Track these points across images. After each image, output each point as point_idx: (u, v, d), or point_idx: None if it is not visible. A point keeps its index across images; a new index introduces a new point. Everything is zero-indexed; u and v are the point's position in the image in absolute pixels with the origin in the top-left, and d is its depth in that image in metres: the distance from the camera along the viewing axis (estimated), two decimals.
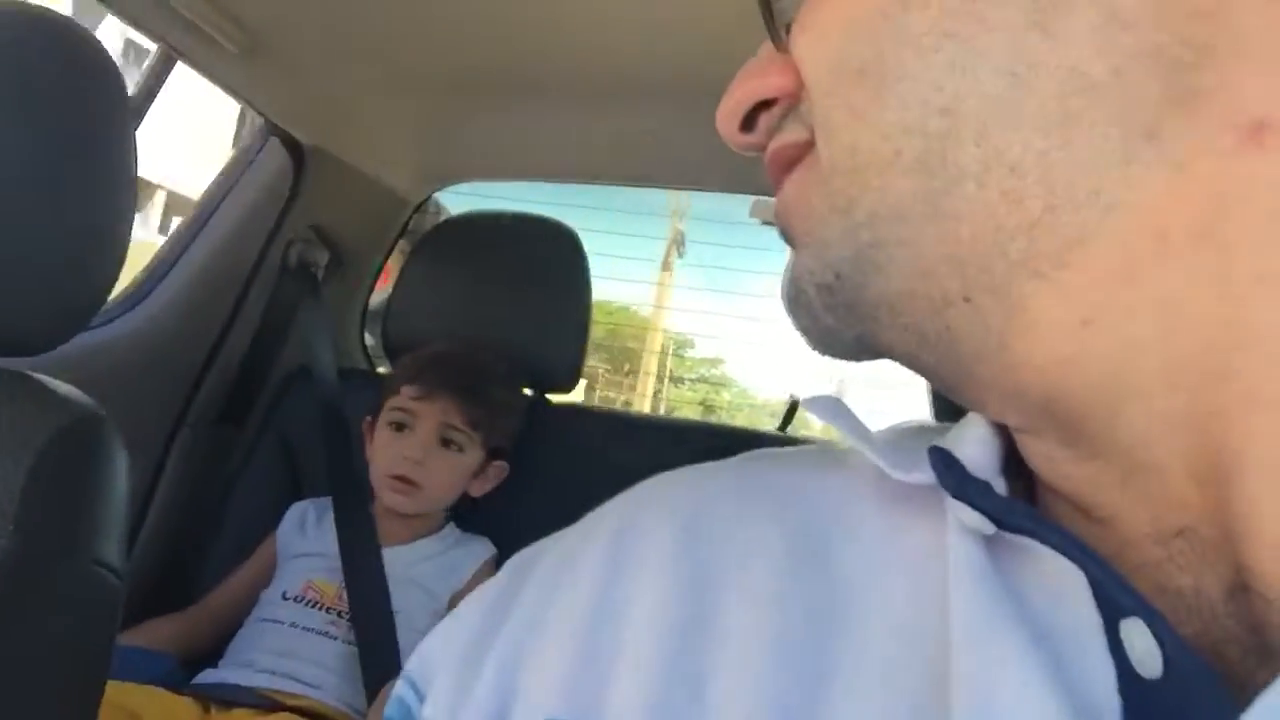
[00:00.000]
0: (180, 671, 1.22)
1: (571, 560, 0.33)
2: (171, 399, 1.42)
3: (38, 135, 0.64)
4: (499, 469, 1.33)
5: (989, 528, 0.26)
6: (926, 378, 0.29)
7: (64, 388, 0.63)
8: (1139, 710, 0.23)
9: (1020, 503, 0.27)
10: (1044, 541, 0.25)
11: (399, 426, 1.29)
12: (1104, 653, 0.24)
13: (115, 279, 0.70)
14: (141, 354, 1.33)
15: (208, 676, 1.19)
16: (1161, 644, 0.23)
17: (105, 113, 0.69)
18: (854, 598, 0.28)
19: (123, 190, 0.69)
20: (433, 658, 0.34)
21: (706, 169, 1.51)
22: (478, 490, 1.32)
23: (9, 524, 0.55)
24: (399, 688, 0.35)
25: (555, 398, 1.48)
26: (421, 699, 0.33)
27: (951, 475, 0.28)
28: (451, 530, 1.32)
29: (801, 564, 0.29)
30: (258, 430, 1.50)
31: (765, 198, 1.66)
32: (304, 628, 1.20)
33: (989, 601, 0.25)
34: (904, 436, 0.32)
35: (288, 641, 1.20)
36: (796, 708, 0.26)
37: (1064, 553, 0.25)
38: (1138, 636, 0.24)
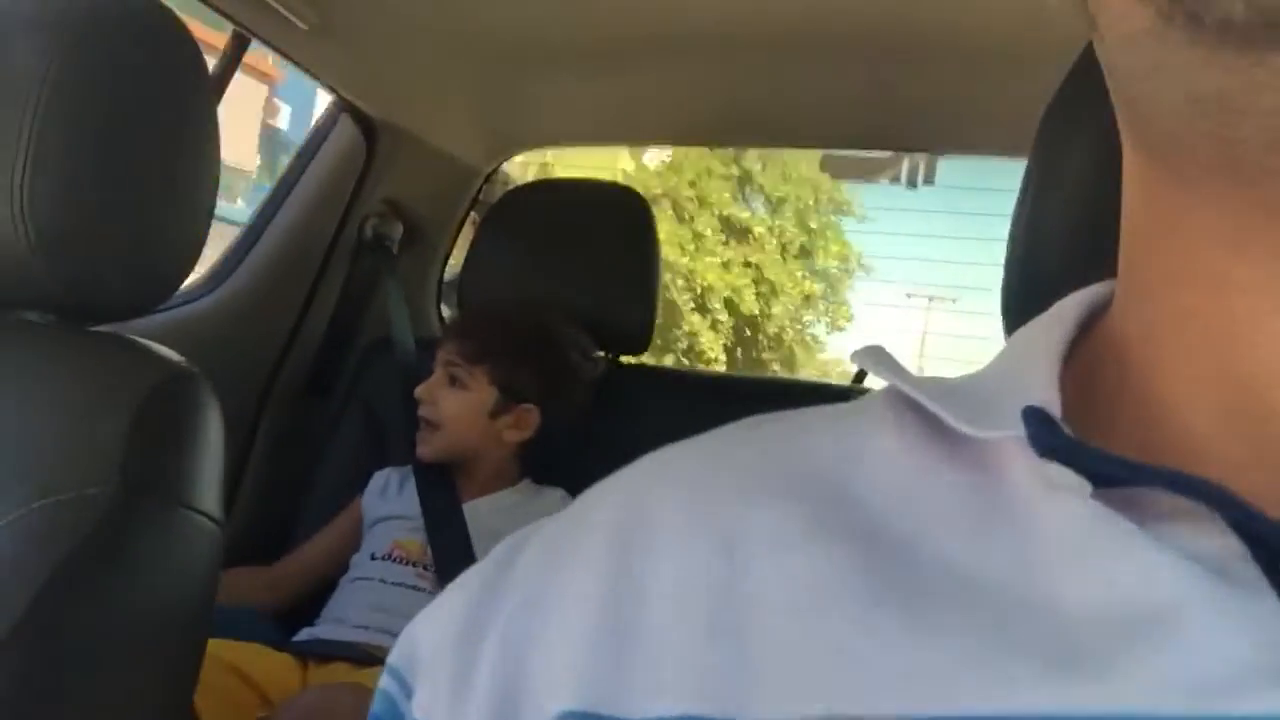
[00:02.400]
0: (278, 632, 1.28)
1: (570, 539, 0.30)
2: (258, 373, 1.48)
3: (122, 110, 0.67)
4: (527, 414, 1.33)
5: (1085, 490, 0.24)
6: None
7: (159, 347, 0.67)
8: None
9: (1120, 458, 0.24)
10: (1163, 485, 0.23)
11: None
12: (1262, 580, 0.22)
13: (201, 247, 0.74)
14: (226, 330, 1.38)
15: (304, 635, 1.24)
16: None
17: (186, 87, 0.72)
18: (892, 536, 0.26)
19: (205, 161, 0.72)
20: (420, 648, 0.31)
21: (783, 127, 1.51)
22: (513, 436, 1.33)
23: (115, 474, 0.58)
24: (383, 681, 0.31)
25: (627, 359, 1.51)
26: (409, 693, 0.30)
27: (1045, 434, 0.25)
28: (528, 484, 1.35)
29: (827, 512, 0.27)
30: (342, 401, 1.55)
31: (836, 151, 1.66)
32: (393, 582, 1.26)
33: (1123, 543, 0.23)
34: (950, 390, 0.29)
35: (379, 597, 1.25)
36: (850, 648, 0.24)
37: (1193, 494, 0.22)
38: None
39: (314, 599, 1.31)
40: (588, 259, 1.46)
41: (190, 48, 0.72)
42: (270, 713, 1.09)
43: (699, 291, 12.54)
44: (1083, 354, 0.29)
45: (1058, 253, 0.43)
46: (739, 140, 1.63)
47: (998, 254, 0.49)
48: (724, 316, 12.87)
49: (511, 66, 1.38)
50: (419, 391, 1.32)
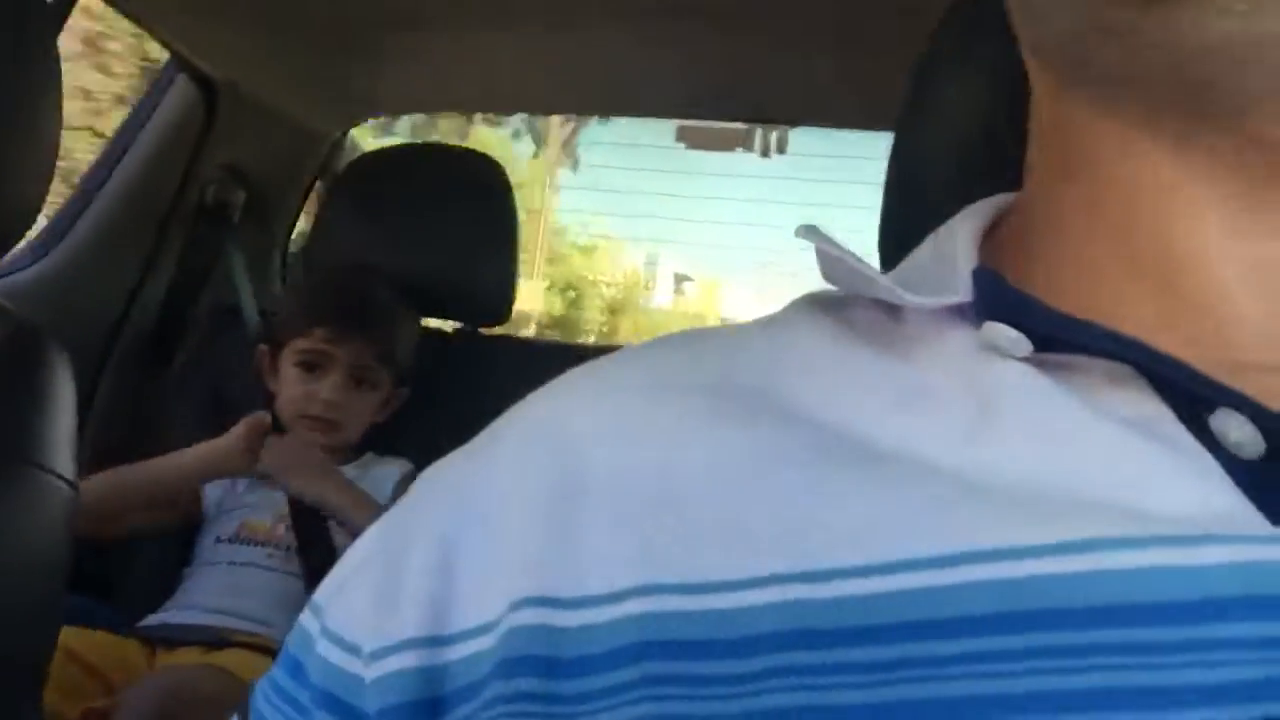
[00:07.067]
0: (123, 617, 1.21)
1: (501, 444, 0.29)
2: (93, 343, 1.39)
3: None
4: (400, 395, 1.34)
5: (1025, 347, 0.25)
6: None
7: (2, 302, 0.62)
8: (1250, 492, 0.22)
9: (1067, 316, 0.25)
10: (1099, 352, 0.24)
11: (309, 367, 1.28)
12: (1191, 440, 0.23)
13: (43, 197, 0.69)
14: (58, 299, 1.30)
15: (152, 620, 1.18)
16: (1262, 430, 0.22)
17: (24, 33, 0.66)
18: (830, 418, 0.26)
19: (46, 102, 0.67)
20: (339, 575, 0.30)
21: (641, 96, 1.51)
22: (381, 416, 1.32)
23: None
24: (302, 615, 0.31)
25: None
26: (320, 613, 0.29)
27: (997, 292, 0.26)
28: (370, 457, 1.33)
29: (764, 401, 0.27)
30: (184, 370, 1.48)
31: (691, 122, 1.67)
32: (242, 563, 1.21)
33: (1062, 407, 0.24)
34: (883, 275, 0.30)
35: (229, 578, 1.20)
36: (800, 506, 0.24)
37: (1126, 359, 0.24)
38: (1232, 426, 0.22)
39: (159, 587, 1.25)
40: (443, 227, 1.43)
41: None
42: (112, 700, 1.03)
43: None
44: (989, 249, 0.30)
45: (937, 180, 0.45)
46: (596, 109, 1.62)
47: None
48: None
49: (360, 26, 1.33)
50: (331, 402, 1.26)
